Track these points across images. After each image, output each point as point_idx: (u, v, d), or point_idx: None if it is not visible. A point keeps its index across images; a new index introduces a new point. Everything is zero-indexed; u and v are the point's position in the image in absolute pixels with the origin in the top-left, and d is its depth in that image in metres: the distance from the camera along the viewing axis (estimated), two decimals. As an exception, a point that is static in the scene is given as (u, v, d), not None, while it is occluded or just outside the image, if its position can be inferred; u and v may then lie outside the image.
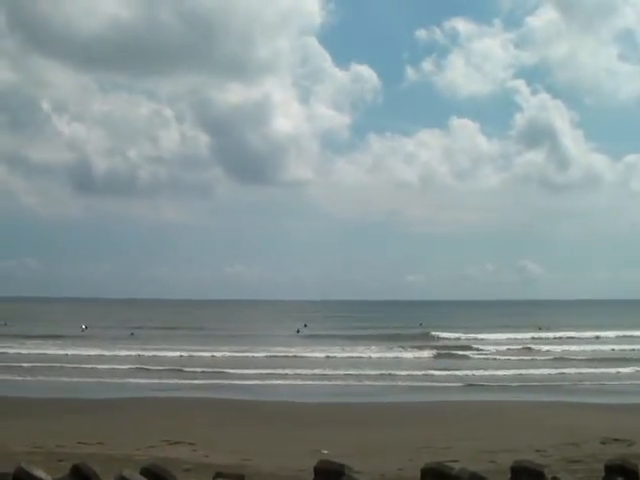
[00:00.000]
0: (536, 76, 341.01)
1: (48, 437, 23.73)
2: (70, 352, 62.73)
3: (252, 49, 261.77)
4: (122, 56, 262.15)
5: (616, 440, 22.92)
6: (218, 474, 8.41)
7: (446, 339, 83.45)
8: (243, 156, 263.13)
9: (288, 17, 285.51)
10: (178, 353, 61.94)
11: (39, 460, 17.45)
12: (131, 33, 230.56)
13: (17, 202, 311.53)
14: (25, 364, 52.88)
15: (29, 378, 46.63)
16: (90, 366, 51.81)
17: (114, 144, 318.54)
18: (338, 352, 65.76)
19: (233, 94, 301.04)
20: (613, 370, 50.79)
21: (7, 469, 9.21)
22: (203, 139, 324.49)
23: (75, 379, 46.21)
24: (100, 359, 57.69)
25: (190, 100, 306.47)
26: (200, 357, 59.87)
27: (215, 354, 61.85)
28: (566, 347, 70.19)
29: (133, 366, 52.31)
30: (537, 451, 20.80)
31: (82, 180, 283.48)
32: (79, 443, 22.95)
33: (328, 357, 61.59)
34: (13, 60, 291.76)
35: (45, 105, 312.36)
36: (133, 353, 62.08)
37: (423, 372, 50.20)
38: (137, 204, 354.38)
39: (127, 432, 26.07)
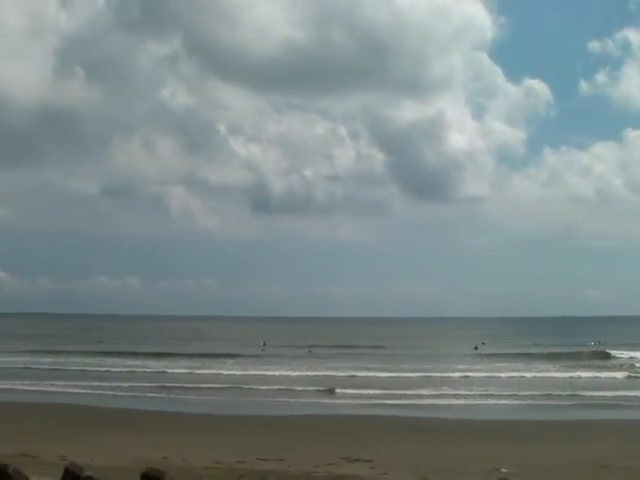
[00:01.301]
0: None
1: (229, 453, 24.22)
2: (252, 372, 63.59)
3: (425, 66, 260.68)
4: (296, 77, 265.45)
5: None
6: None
7: (625, 357, 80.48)
8: (418, 173, 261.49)
9: (460, 33, 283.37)
10: (357, 372, 62.01)
11: (219, 475, 17.90)
12: (305, 54, 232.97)
13: (195, 223, 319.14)
14: (204, 384, 54.13)
15: (206, 397, 47.69)
16: (268, 387, 52.21)
17: (290, 164, 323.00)
18: (516, 371, 64.54)
19: (407, 111, 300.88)
20: None
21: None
22: (378, 157, 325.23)
23: (256, 398, 47.08)
24: (282, 378, 58.55)
25: (364, 118, 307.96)
26: (379, 377, 59.63)
27: (395, 374, 61.43)
28: None
29: (313, 387, 52.54)
30: None
31: (259, 200, 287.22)
32: (258, 459, 23.32)
33: (508, 376, 60.55)
34: (190, 84, 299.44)
35: (221, 127, 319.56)
36: (313, 373, 62.48)
37: (601, 392, 48.87)
38: (313, 222, 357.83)
39: (307, 449, 26.35)
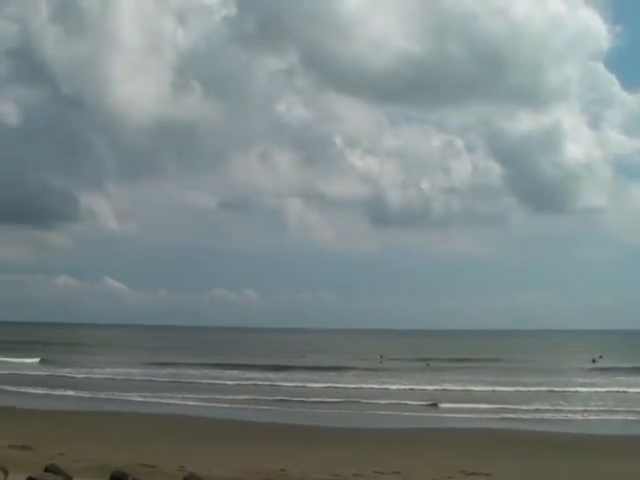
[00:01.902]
0: None
1: (345, 465, 24.28)
2: (369, 385, 63.36)
3: (541, 77, 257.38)
4: (412, 89, 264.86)
5: None
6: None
7: None
8: (535, 184, 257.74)
9: (576, 43, 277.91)
10: (473, 386, 61.42)
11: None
12: (421, 66, 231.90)
13: (312, 236, 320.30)
14: (321, 397, 54.40)
15: (322, 410, 47.77)
16: (383, 401, 51.81)
17: (407, 176, 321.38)
18: (636, 385, 62.56)
19: (523, 122, 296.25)
20: None
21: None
22: (495, 168, 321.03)
23: (372, 411, 46.97)
24: (397, 391, 58.42)
25: (480, 130, 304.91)
26: (496, 390, 58.89)
27: (510, 388, 60.31)
28: None
29: (428, 400, 52.03)
30: None
31: (376, 213, 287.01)
32: (375, 472, 23.31)
33: (627, 390, 59.03)
34: (307, 97, 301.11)
35: (338, 139, 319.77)
36: (431, 387, 61.88)
37: None
38: (430, 235, 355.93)
39: (422, 462, 26.27)
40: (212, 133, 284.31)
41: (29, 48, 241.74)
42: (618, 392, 57.99)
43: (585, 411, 46.79)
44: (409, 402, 50.47)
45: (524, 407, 47.88)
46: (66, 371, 72.13)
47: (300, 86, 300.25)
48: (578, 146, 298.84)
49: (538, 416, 44.36)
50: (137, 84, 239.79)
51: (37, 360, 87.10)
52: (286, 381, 66.13)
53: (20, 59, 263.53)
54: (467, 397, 53.96)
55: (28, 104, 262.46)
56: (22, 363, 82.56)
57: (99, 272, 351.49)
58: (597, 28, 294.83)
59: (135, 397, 51.32)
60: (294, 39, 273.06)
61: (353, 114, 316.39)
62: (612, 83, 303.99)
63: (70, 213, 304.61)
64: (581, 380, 66.65)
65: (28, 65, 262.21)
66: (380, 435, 35.71)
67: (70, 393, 53.30)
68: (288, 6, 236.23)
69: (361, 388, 60.73)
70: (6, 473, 18.66)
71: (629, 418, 44.12)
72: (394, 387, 61.51)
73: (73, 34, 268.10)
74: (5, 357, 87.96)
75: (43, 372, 71.55)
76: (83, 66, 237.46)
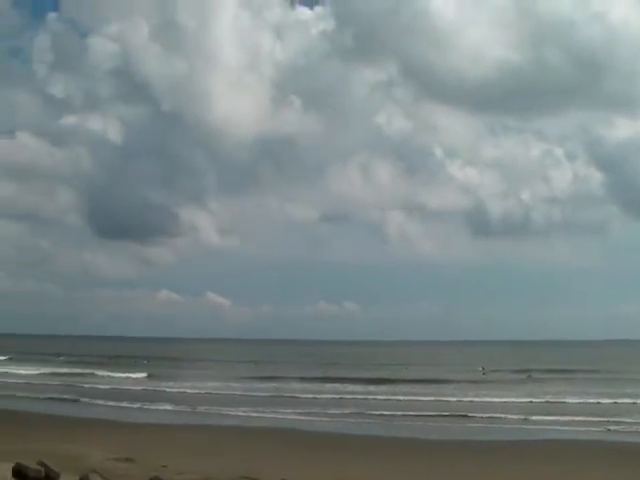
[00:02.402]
0: None
1: (443, 477, 24.39)
2: (471, 398, 62.73)
3: (638, 82, 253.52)
4: (511, 98, 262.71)
5: None
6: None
7: None
8: (637, 192, 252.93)
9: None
10: (580, 399, 60.61)
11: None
12: (520, 75, 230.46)
13: (413, 248, 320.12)
14: (421, 412, 54.33)
15: (422, 422, 47.73)
16: (487, 414, 51.51)
17: (507, 186, 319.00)
18: None
19: (621, 129, 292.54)
20: None
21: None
22: (595, 176, 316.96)
23: (472, 424, 46.86)
24: (499, 404, 57.88)
25: (580, 137, 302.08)
26: (601, 403, 58.17)
27: (618, 400, 59.33)
28: None
29: (527, 414, 51.55)
30: None
31: (476, 224, 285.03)
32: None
33: None
34: (406, 108, 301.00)
35: (438, 150, 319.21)
36: (534, 399, 61.20)
37: None
38: (530, 245, 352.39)
39: (522, 475, 26.19)
40: (312, 146, 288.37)
41: (130, 67, 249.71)
42: None
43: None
44: (510, 415, 50.05)
45: (626, 419, 47.24)
46: (170, 385, 73.45)
47: (399, 97, 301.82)
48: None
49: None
50: (236, 99, 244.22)
51: (144, 375, 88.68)
52: (387, 394, 66.20)
53: (122, 78, 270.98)
54: (569, 409, 53.35)
55: (130, 122, 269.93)
56: (128, 378, 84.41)
57: (201, 286, 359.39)
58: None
59: (236, 411, 51.89)
60: (392, 51, 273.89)
61: (452, 124, 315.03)
62: None
63: (172, 228, 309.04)
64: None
65: (129, 83, 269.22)
66: (480, 447, 35.64)
67: (174, 407, 54.23)
68: (385, 19, 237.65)
69: (461, 401, 60.42)
70: None
71: None
72: (496, 400, 61.06)
73: (172, 51, 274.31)
74: (112, 372, 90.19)
75: (150, 387, 72.91)
76: (183, 83, 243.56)
